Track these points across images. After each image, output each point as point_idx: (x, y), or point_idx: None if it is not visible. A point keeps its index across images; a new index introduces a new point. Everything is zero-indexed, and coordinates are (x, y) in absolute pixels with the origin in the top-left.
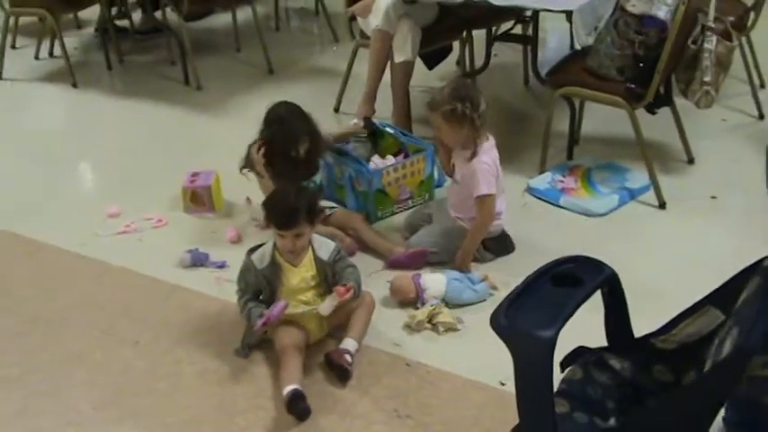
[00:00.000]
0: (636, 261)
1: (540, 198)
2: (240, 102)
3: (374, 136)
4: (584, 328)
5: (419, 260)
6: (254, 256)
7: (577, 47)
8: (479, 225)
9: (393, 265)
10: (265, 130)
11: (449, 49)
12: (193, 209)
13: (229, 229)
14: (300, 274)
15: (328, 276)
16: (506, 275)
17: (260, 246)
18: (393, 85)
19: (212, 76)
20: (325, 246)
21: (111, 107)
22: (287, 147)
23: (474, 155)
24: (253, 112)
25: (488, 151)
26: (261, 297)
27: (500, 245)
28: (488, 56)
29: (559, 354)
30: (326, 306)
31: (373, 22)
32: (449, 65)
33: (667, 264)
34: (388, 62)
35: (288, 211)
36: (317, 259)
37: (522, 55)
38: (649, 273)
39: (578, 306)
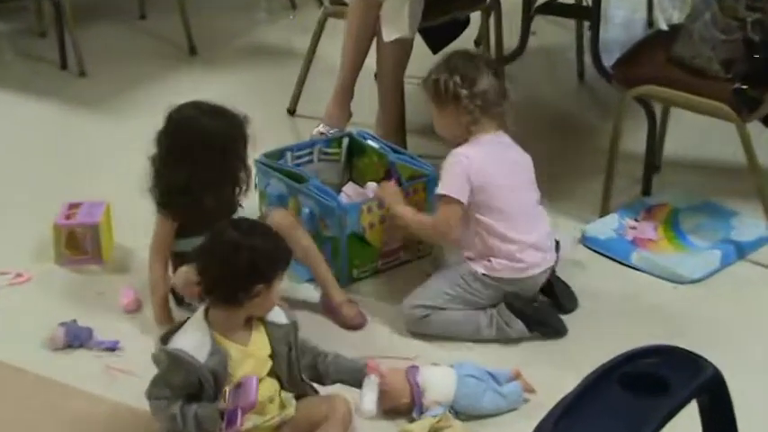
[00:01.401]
0: (746, 353)
1: (600, 253)
2: (145, 96)
3: (349, 152)
4: None
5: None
6: (185, 345)
7: (661, 26)
8: (425, 224)
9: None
10: (163, 141)
11: (464, 24)
12: (70, 258)
13: (125, 290)
14: (254, 356)
15: (291, 356)
16: (550, 370)
17: (177, 327)
18: (380, 75)
19: (103, 56)
20: (274, 309)
21: None
22: (202, 162)
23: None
24: (164, 110)
25: (481, 144)
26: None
27: (540, 314)
28: (525, 35)
29: None
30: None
31: None
32: (463, 46)
33: None
34: (373, 41)
35: (286, 246)
36: (270, 328)
37: (576, 35)
38: (766, 371)
39: (663, 424)
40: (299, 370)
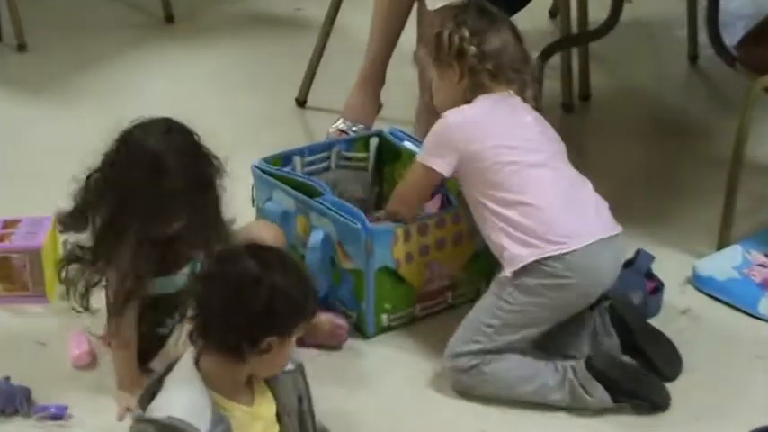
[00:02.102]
0: None
1: (717, 299)
2: (104, 77)
3: (380, 156)
4: None
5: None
6: (180, 410)
7: None
8: (397, 194)
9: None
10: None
11: None
12: (3, 295)
13: (75, 338)
14: (262, 417)
15: (303, 408)
16: None
17: (156, 385)
18: (420, 55)
19: (50, 24)
20: None
21: None
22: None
23: None
24: (130, 96)
25: (474, 106)
26: None
27: (632, 381)
28: (618, 2)
29: None
30: None
31: None
32: (534, 18)
33: None
34: (413, 8)
35: (314, 288)
36: (272, 379)
37: (687, 3)
38: None
39: None
40: (314, 427)
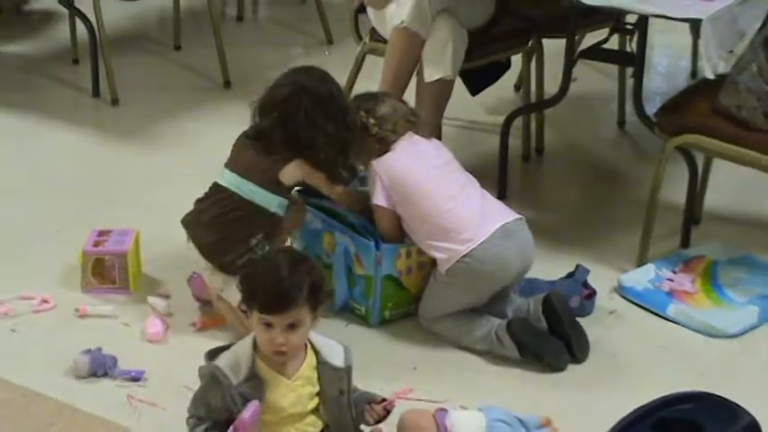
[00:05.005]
0: None
1: (635, 303)
2: (177, 127)
3: None
4: None
5: None
6: (222, 363)
7: (708, 75)
8: (379, 234)
9: None
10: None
11: (505, 66)
12: (97, 287)
13: (152, 321)
14: (296, 391)
15: (343, 401)
16: (581, 418)
17: (224, 348)
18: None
19: (136, 85)
20: (334, 348)
21: None
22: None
23: None
24: (196, 143)
25: (390, 153)
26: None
27: (539, 346)
28: (566, 80)
29: None
30: None
31: (395, 16)
32: (503, 89)
33: None
34: (412, 80)
35: (279, 282)
36: (323, 368)
37: (618, 81)
38: None
39: None
40: (354, 418)
